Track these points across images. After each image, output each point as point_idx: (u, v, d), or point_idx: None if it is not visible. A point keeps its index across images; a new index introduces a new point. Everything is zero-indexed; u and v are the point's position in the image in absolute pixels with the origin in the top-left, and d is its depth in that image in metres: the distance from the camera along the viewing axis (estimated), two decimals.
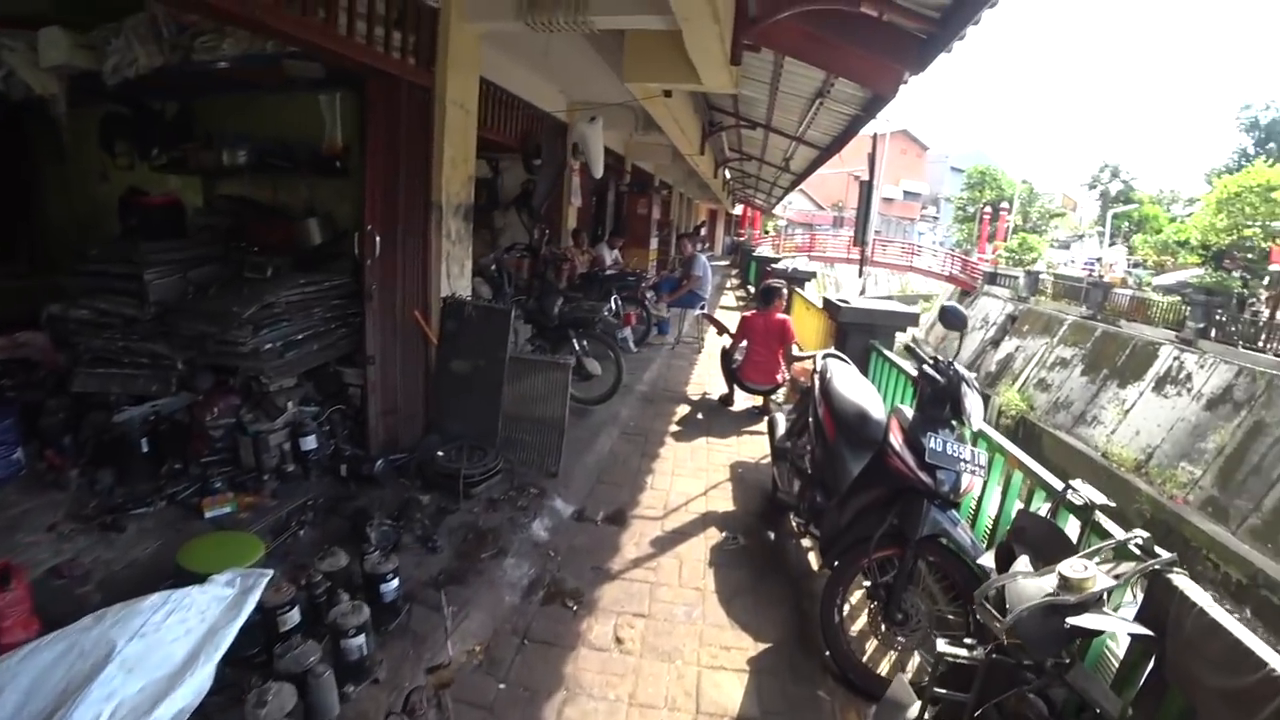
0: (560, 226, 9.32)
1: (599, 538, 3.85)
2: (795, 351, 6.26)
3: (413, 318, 4.29)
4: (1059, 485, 2.54)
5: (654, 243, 12.36)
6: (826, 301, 5.78)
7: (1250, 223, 17.58)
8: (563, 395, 4.28)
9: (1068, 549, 2.02)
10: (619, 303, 8.25)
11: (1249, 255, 19.57)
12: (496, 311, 4.38)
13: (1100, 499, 2.32)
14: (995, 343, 23.88)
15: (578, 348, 5.57)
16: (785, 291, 6.23)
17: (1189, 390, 15.62)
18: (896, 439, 2.87)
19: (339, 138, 4.19)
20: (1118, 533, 2.10)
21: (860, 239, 7.02)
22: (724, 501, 4.52)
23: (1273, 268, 18.73)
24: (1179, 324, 17.58)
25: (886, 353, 4.98)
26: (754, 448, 5.50)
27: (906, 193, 63.03)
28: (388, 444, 4.20)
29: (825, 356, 4.24)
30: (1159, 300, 19.23)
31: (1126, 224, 32.36)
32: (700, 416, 6.27)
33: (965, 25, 3.77)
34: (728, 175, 17.83)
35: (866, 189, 7.12)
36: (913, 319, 5.49)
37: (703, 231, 21.50)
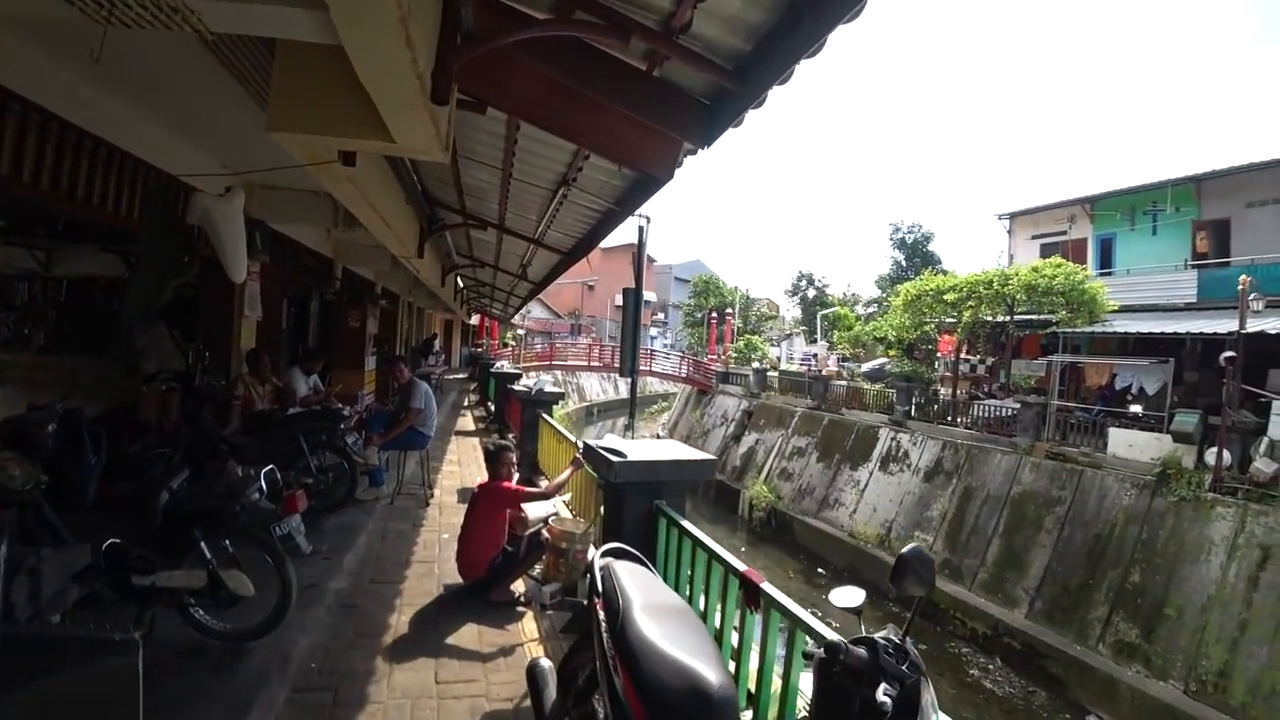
0: (231, 346, 6.92)
1: None
2: (535, 507, 4.73)
3: None
4: None
5: (370, 362, 10.23)
6: (589, 451, 4.10)
7: (927, 319, 19.99)
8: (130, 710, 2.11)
9: None
10: (307, 457, 6.04)
11: (929, 346, 22.33)
12: None
13: None
14: (736, 438, 24.47)
15: (209, 555, 3.39)
16: (514, 453, 4.73)
17: (909, 466, 16.83)
18: None
19: None
20: None
21: (630, 362, 5.57)
22: None
23: (940, 357, 21.62)
24: (889, 408, 19.10)
25: (684, 523, 3.54)
26: (513, 674, 3.66)
27: None
28: None
29: (605, 555, 2.66)
30: (869, 388, 20.95)
31: (825, 322, 36.29)
32: (436, 623, 4.27)
33: (772, 83, 2.61)
34: (460, 283, 16.18)
35: (635, 296, 5.82)
36: (709, 467, 4.07)
37: (436, 345, 19.38)
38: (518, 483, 4.69)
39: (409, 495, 7.00)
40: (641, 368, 34.91)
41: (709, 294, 44.91)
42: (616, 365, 35.12)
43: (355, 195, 4.41)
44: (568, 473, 4.73)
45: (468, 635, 4.10)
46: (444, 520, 6.36)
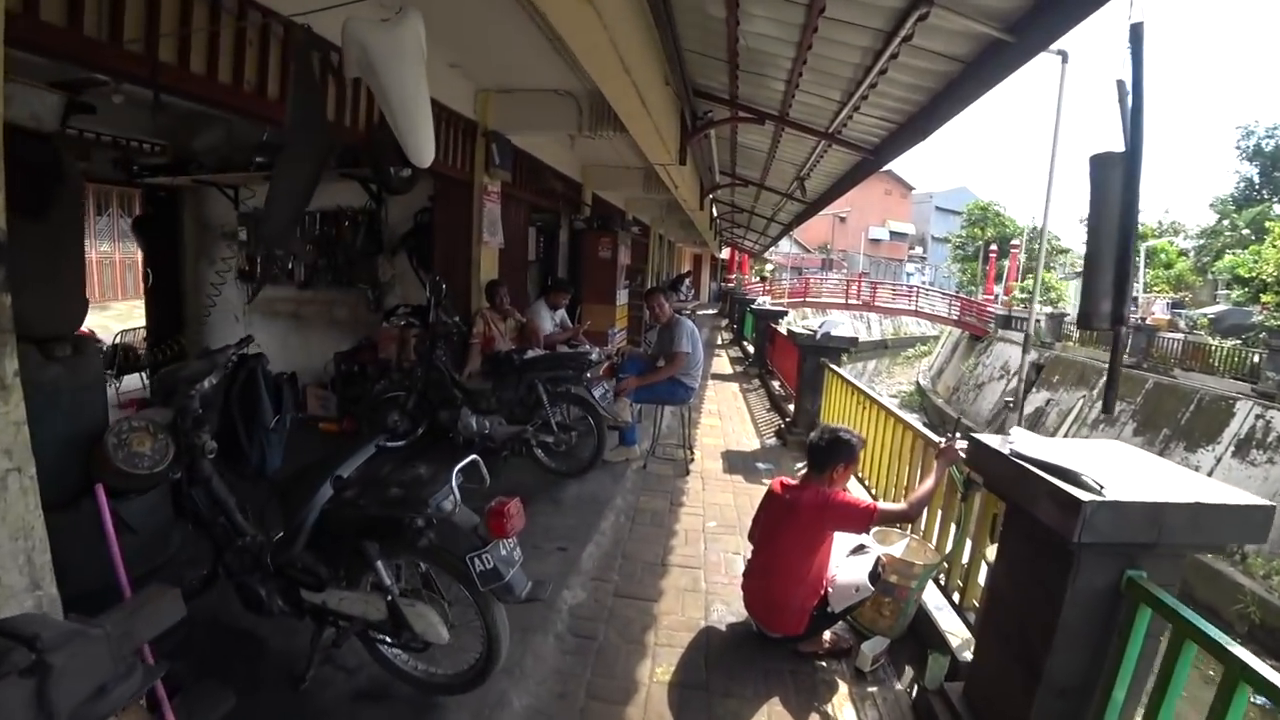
0: (470, 278, 6.01)
1: None
2: (874, 539, 2.99)
3: None
4: None
5: (622, 296, 9.09)
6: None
7: None
8: None
9: None
10: (546, 410, 4.87)
11: None
12: None
13: None
14: (1019, 396, 20.59)
15: (388, 579, 2.20)
16: (858, 446, 2.82)
17: None
18: None
19: None
20: None
21: (1114, 303, 3.54)
22: None
23: None
24: (1250, 374, 14.45)
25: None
26: None
27: (893, 233, 60.59)
28: None
29: None
30: (1216, 344, 16.11)
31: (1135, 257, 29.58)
32: (708, 686, 2.80)
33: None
34: (715, 212, 14.59)
35: (1129, 164, 3.62)
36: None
37: (687, 282, 18.14)
38: (835, 478, 2.92)
39: (665, 459, 5.68)
40: (903, 306, 31.32)
41: (985, 224, 38.70)
42: (879, 304, 31.65)
43: (595, 29, 2.90)
44: (933, 480, 2.91)
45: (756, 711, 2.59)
46: (708, 498, 4.92)
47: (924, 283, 45.09)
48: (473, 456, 2.37)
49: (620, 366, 5.31)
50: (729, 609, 3.33)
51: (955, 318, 27.08)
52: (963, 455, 2.70)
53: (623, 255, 9.09)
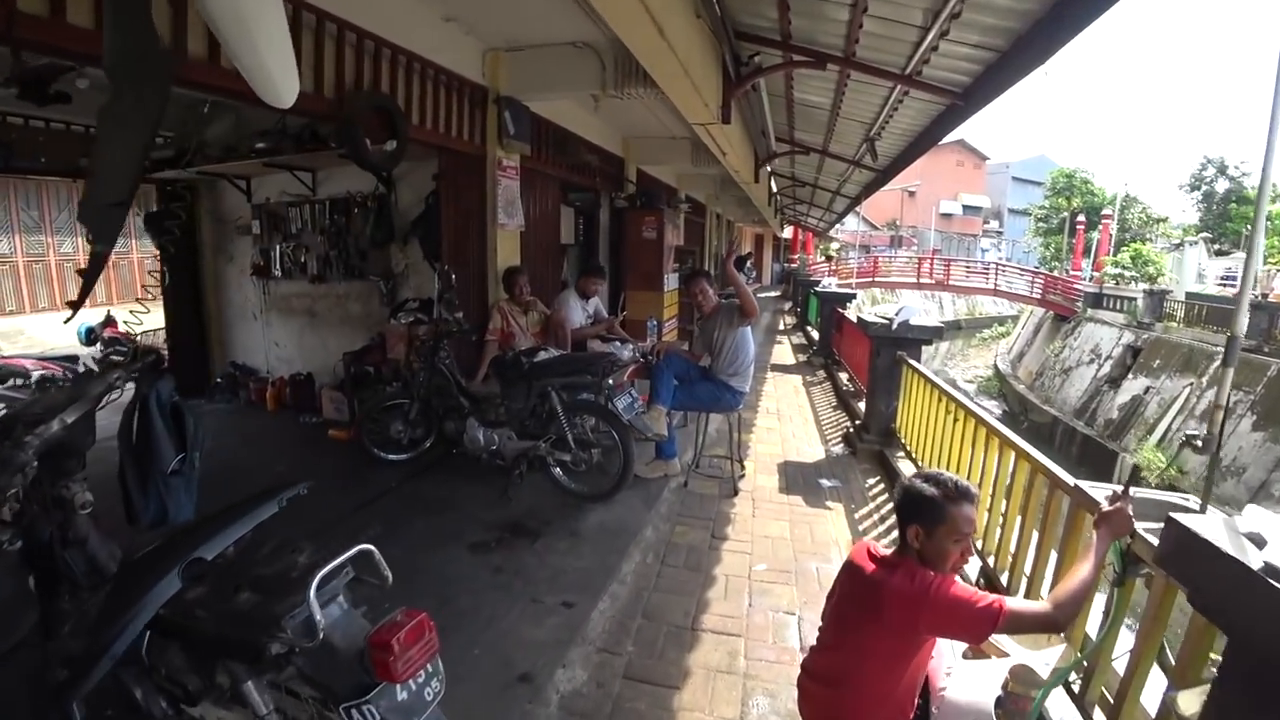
0: (486, 265, 5.25)
1: None
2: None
3: None
4: None
5: (670, 281, 8.23)
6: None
7: None
8: None
9: None
10: (562, 422, 4.06)
11: None
12: None
13: None
14: (1113, 382, 18.58)
15: None
16: (946, 505, 1.81)
17: None
18: None
19: None
20: None
21: None
22: None
23: None
24: None
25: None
26: None
27: (966, 207, 57.35)
28: None
29: None
30: None
31: (1246, 227, 26.62)
32: None
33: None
34: (774, 186, 13.43)
35: None
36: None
37: (749, 264, 17.00)
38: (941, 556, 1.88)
39: (710, 474, 4.80)
40: (980, 285, 29.20)
41: (1070, 193, 35.62)
42: (953, 283, 29.58)
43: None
44: (1091, 566, 1.89)
45: None
46: (758, 528, 4.02)
47: (1001, 259, 42.29)
48: (362, 547, 1.55)
49: (656, 370, 4.44)
50: (774, 704, 2.46)
51: (1039, 296, 24.98)
52: (1132, 520, 1.75)
53: (670, 235, 8.19)
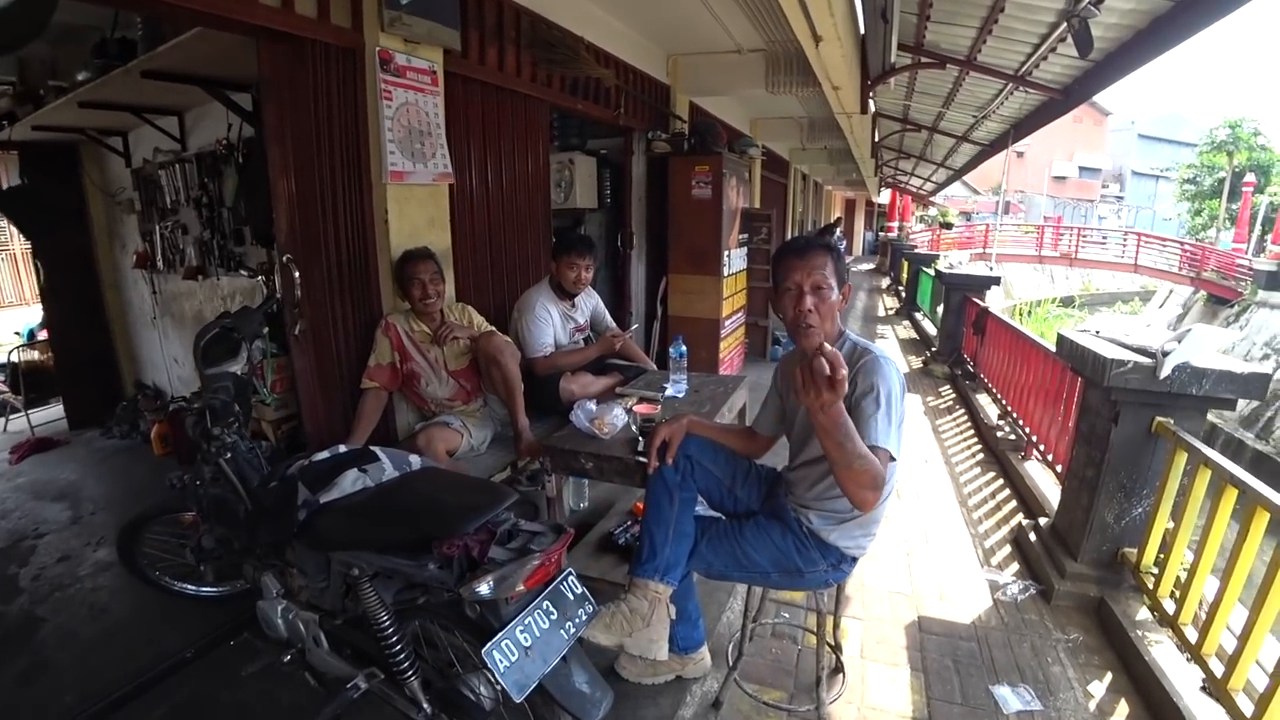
0: (368, 242, 2.91)
1: None
2: None
3: None
4: None
5: (734, 260, 5.70)
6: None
7: None
8: None
9: None
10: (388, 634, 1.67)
11: None
12: None
13: None
14: None
15: None
16: None
17: None
18: None
19: None
20: None
21: None
22: None
23: None
24: None
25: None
26: None
27: (1082, 169, 50.75)
28: None
29: None
30: None
31: None
32: None
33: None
34: (877, 135, 10.30)
35: None
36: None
37: (838, 231, 13.92)
38: None
39: (770, 662, 2.35)
40: (1096, 257, 24.44)
41: (1236, 147, 28.73)
42: (1081, 256, 24.58)
43: None
44: None
45: None
46: None
47: (1123, 227, 36.47)
48: None
49: (653, 486, 1.99)
50: None
51: (1191, 275, 20.44)
52: None
53: (733, 194, 5.62)
